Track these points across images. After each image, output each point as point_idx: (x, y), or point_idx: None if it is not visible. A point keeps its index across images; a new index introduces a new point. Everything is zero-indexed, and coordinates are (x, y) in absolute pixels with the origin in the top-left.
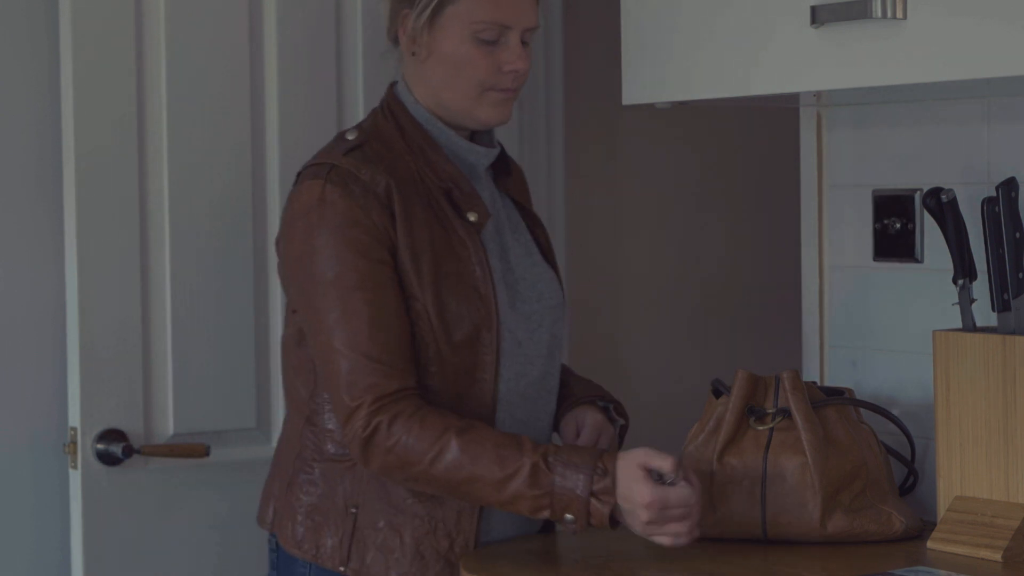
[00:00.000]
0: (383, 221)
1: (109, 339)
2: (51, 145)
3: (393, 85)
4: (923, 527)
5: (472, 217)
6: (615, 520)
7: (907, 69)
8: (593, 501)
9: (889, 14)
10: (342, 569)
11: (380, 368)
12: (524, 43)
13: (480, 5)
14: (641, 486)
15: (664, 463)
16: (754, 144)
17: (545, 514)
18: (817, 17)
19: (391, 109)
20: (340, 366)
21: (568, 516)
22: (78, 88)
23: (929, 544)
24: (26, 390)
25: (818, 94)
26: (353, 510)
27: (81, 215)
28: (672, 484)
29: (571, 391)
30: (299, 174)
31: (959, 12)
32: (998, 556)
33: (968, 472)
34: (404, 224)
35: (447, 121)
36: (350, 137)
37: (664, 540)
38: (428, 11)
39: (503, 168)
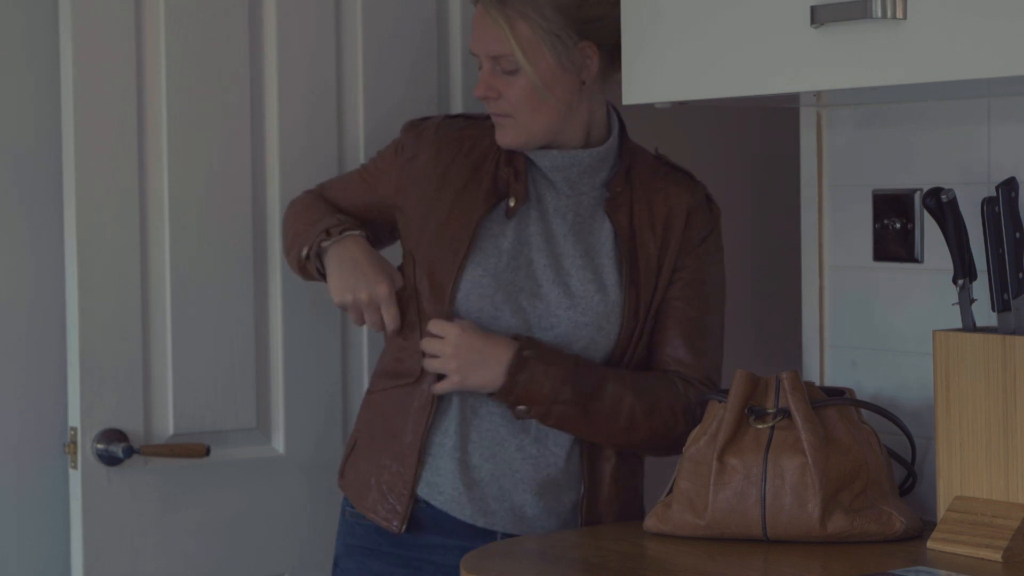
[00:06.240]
0: (402, 156)
1: (109, 339)
2: (51, 145)
3: None
4: (923, 527)
5: (511, 202)
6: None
7: (907, 69)
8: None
9: (889, 14)
10: (340, 482)
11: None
12: (508, 72)
13: None
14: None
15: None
16: (754, 144)
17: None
18: (817, 17)
19: None
20: None
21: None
22: (78, 88)
23: (929, 544)
24: (26, 390)
25: (818, 94)
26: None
27: (81, 215)
28: None
29: None
30: None
31: (959, 12)
32: (998, 556)
33: (968, 472)
34: (429, 168)
35: None
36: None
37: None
38: None
39: (621, 197)
